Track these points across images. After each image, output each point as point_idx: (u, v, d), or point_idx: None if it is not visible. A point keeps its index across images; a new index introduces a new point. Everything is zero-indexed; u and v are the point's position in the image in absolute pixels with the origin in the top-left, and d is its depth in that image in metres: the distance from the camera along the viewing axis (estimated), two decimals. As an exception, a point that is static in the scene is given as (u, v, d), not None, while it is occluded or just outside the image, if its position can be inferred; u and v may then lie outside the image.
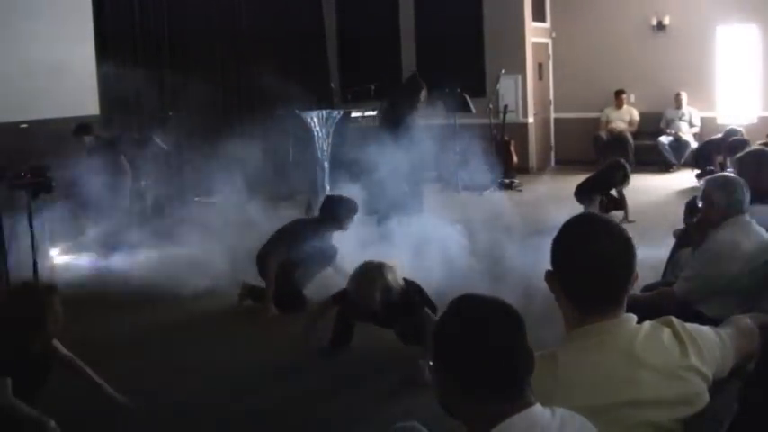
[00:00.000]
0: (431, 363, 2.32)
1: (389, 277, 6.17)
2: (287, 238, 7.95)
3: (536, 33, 16.90)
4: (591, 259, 2.56)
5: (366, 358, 6.54)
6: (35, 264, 7.98)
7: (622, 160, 11.53)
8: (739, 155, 6.18)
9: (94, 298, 8.11)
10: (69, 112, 9.93)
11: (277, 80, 11.76)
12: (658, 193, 12.63)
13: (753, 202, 5.19)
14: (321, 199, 10.96)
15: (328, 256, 8.08)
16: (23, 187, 8.13)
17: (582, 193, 11.03)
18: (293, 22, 15.95)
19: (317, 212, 8.56)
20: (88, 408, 5.52)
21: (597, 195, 11.00)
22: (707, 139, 14.40)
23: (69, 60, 10.80)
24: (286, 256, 7.83)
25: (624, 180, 11.02)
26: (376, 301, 6.13)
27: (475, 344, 2.22)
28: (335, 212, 8.10)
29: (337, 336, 6.65)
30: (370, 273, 6.23)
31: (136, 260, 9.30)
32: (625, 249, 2.60)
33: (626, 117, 16.69)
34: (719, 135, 12.84)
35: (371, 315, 6.32)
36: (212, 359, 6.66)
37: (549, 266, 2.65)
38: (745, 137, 11.17)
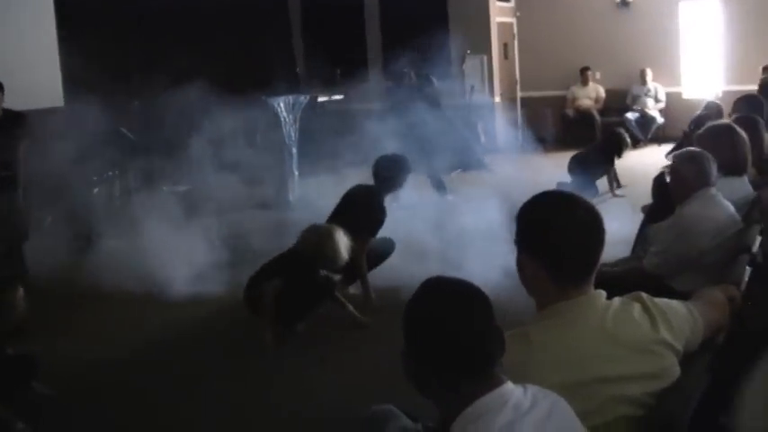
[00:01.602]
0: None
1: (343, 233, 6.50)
2: (356, 210, 7.52)
3: (501, 13, 16.90)
4: (571, 232, 2.57)
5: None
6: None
7: (621, 130, 11.66)
8: (700, 131, 6.22)
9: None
10: (30, 104, 9.76)
11: (243, 65, 11.71)
12: (626, 168, 12.66)
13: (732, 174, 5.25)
14: (290, 184, 10.98)
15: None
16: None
17: (586, 165, 11.08)
18: (256, 6, 15.83)
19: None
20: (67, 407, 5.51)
21: (609, 167, 11.14)
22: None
23: (29, 48, 10.64)
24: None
25: (624, 150, 11.21)
26: (340, 255, 6.42)
27: (444, 327, 2.23)
28: (392, 172, 7.75)
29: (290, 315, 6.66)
30: (327, 229, 6.54)
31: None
32: (599, 222, 2.62)
33: (592, 94, 16.77)
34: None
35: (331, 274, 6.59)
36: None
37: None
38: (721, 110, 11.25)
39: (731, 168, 5.41)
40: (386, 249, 7.78)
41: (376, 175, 7.77)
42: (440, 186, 11.39)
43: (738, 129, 5.60)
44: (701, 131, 6.04)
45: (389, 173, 7.72)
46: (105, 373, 6.21)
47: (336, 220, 7.24)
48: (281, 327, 6.61)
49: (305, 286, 6.55)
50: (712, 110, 11.08)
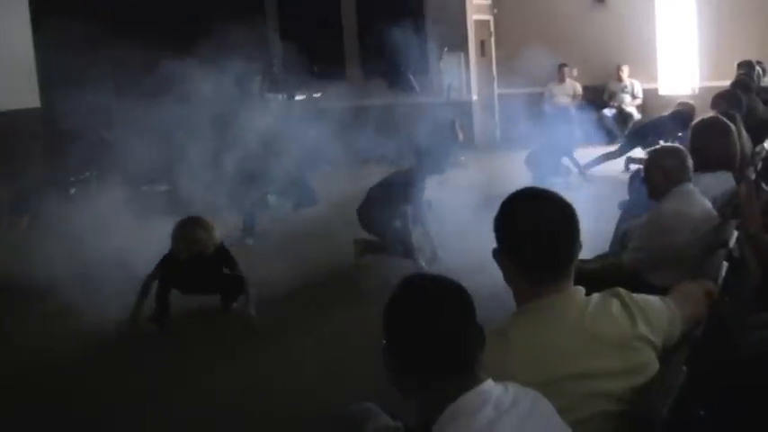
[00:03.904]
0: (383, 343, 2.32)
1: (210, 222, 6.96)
2: (402, 191, 8.23)
3: (478, 10, 16.90)
4: (537, 228, 2.58)
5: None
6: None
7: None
8: (692, 123, 6.24)
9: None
10: (4, 105, 9.68)
11: (220, 62, 11.63)
12: (603, 165, 12.71)
13: (702, 170, 5.27)
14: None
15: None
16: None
17: (641, 137, 11.16)
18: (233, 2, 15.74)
19: None
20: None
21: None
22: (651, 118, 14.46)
23: (3, 47, 10.54)
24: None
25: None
26: (207, 241, 6.82)
27: (424, 325, 2.21)
28: (438, 156, 8.47)
29: (161, 309, 7.04)
30: (195, 220, 6.96)
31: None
32: (569, 218, 2.62)
33: (569, 91, 16.80)
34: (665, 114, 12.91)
35: (202, 265, 6.85)
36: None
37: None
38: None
39: (722, 162, 5.45)
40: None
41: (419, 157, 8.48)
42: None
43: (730, 123, 5.65)
44: (694, 124, 6.08)
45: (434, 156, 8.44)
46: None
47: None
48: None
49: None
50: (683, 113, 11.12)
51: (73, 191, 11.12)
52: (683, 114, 11.24)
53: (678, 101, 12.50)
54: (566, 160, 12.30)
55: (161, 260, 7.04)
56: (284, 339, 6.71)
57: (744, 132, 6.48)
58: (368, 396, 3.29)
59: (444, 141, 8.76)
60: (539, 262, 2.59)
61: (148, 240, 7.91)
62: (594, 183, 11.72)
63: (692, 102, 12.19)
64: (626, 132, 12.34)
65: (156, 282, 6.99)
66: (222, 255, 7.11)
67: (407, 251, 8.16)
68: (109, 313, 7.08)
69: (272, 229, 10.10)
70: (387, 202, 8.19)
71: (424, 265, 8.02)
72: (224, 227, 8.13)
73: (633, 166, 11.90)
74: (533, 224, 2.59)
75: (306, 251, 9.04)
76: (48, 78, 11.47)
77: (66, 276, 7.81)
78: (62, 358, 6.55)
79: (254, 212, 9.82)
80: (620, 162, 12.67)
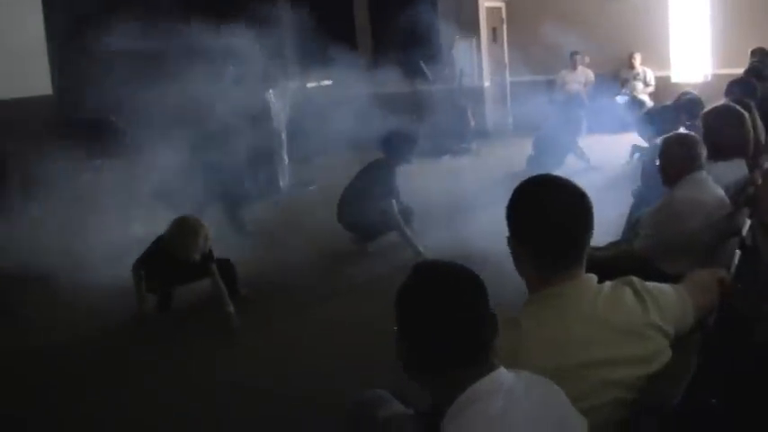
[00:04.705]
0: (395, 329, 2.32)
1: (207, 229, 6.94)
2: (377, 184, 8.44)
3: (489, -3, 16.88)
4: (551, 215, 2.57)
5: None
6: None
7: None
8: (705, 111, 6.21)
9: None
10: (17, 93, 9.68)
11: (233, 48, 11.62)
12: (616, 152, 12.67)
13: (715, 158, 5.24)
14: (281, 169, 11.06)
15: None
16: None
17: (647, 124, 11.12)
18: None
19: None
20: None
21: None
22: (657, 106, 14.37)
23: (16, 35, 10.54)
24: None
25: None
26: (198, 249, 6.78)
27: (437, 313, 2.21)
28: (400, 146, 8.61)
29: (163, 300, 7.23)
30: (193, 224, 6.91)
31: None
32: (582, 206, 2.61)
33: (581, 78, 16.74)
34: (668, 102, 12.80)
35: (187, 268, 6.85)
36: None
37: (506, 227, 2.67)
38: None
39: (736, 150, 5.42)
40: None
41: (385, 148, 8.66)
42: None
43: (743, 111, 5.61)
44: (707, 111, 6.04)
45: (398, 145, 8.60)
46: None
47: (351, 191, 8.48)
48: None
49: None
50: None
51: (85, 177, 11.12)
52: (690, 103, 11.13)
53: (682, 91, 12.40)
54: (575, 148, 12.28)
55: (151, 249, 7.05)
56: (285, 326, 6.78)
57: (758, 120, 6.43)
58: (379, 383, 3.30)
59: (408, 130, 8.81)
60: (552, 249, 2.58)
61: (157, 228, 7.97)
62: (599, 171, 11.70)
63: (695, 91, 12.11)
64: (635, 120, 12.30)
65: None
66: (206, 261, 7.03)
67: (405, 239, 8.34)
68: (117, 299, 7.15)
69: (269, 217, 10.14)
70: (366, 202, 8.38)
71: (423, 250, 8.07)
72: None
73: (637, 155, 11.89)
74: (547, 211, 2.58)
75: (301, 237, 9.09)
76: (60, 66, 11.47)
77: (77, 263, 7.86)
78: (74, 345, 6.60)
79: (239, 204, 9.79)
80: (624, 150, 12.61)
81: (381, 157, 8.75)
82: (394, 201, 8.38)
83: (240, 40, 10.30)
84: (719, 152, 5.31)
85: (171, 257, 6.88)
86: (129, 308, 7.03)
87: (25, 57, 10.80)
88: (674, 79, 16.10)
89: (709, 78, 15.59)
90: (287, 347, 6.28)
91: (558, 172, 3.13)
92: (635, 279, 2.71)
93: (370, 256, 8.52)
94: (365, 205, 8.36)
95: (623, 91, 16.23)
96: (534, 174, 2.78)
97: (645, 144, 11.15)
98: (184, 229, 6.91)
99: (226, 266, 7.23)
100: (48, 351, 6.51)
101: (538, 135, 12.32)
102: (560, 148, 12.04)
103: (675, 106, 10.96)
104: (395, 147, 8.62)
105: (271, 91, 11.84)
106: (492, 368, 2.22)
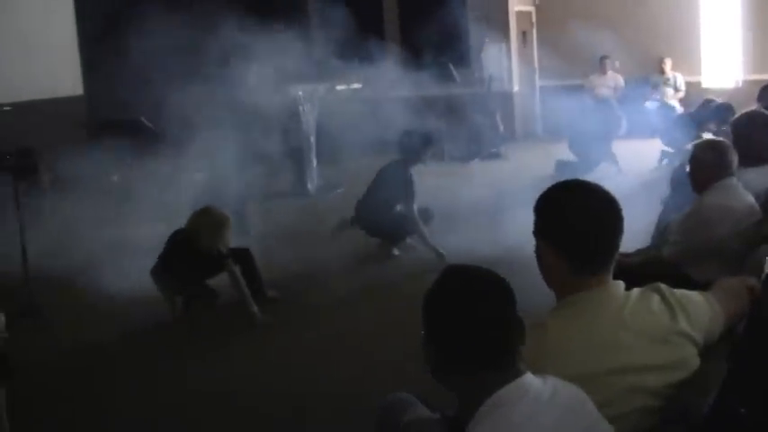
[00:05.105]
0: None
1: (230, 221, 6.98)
2: (394, 186, 8.47)
3: (519, 1, 16.84)
4: (584, 219, 2.57)
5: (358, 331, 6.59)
6: (24, 249, 7.80)
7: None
8: (735, 117, 6.17)
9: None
10: (49, 93, 9.77)
11: (262, 51, 11.66)
12: (645, 158, 12.63)
13: (746, 165, 5.20)
14: (309, 172, 11.10)
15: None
16: (8, 170, 8.01)
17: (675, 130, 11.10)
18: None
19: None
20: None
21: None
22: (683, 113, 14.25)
23: (48, 36, 10.61)
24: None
25: None
26: (223, 241, 6.82)
27: (464, 317, 2.22)
28: (415, 146, 8.63)
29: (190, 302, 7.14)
30: (219, 214, 6.94)
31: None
32: (612, 211, 2.61)
33: (611, 83, 16.66)
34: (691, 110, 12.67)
35: (207, 261, 6.84)
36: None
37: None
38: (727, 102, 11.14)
39: (766, 156, 5.38)
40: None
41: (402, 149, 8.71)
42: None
43: None
44: (737, 117, 6.00)
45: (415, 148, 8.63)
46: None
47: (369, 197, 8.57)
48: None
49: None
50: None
51: (115, 178, 11.21)
52: (721, 109, 11.01)
53: (705, 97, 12.31)
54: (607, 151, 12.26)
55: (168, 246, 7.07)
56: (308, 329, 6.76)
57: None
58: (405, 386, 3.30)
59: (424, 130, 8.86)
60: (580, 255, 2.57)
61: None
62: (628, 176, 11.67)
63: (724, 98, 12.00)
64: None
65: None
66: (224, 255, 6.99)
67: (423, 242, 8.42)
68: (144, 300, 7.18)
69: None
70: (384, 207, 8.52)
71: (444, 252, 8.10)
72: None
73: (666, 161, 11.84)
74: (577, 216, 2.58)
75: (326, 240, 9.09)
76: (90, 66, 11.54)
77: (106, 264, 7.91)
78: (100, 346, 6.64)
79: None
80: (654, 155, 12.55)
81: (396, 159, 8.78)
82: (414, 205, 8.38)
83: (271, 41, 10.30)
84: (750, 158, 5.28)
85: (190, 250, 6.86)
86: (154, 310, 7.07)
87: (56, 58, 10.89)
88: (704, 84, 16.01)
89: (741, 84, 15.50)
90: (310, 351, 6.28)
91: (587, 177, 3.12)
92: (663, 286, 2.70)
93: (396, 260, 8.53)
94: (383, 210, 8.45)
95: (653, 96, 16.14)
96: (563, 178, 2.77)
97: (672, 150, 11.13)
98: (209, 220, 6.90)
99: (244, 256, 7.20)
100: (73, 352, 6.55)
101: (572, 137, 12.27)
102: (595, 151, 12.01)
103: (703, 113, 10.88)
104: (409, 147, 8.65)
105: (300, 93, 11.87)
106: (518, 374, 2.22)
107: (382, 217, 8.44)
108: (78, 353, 6.54)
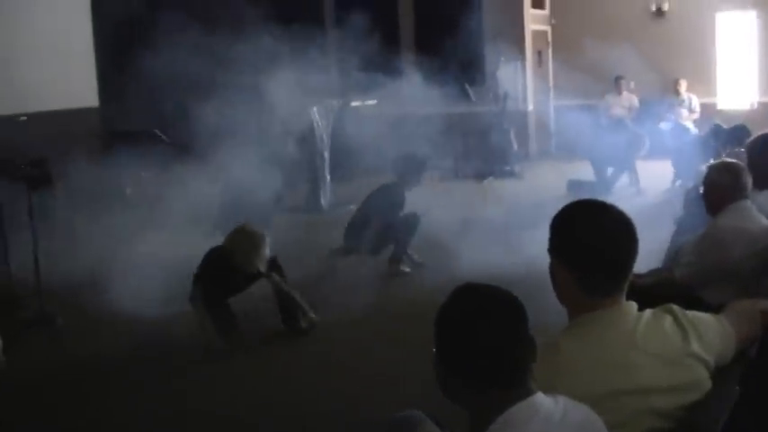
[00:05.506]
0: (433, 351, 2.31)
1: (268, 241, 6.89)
2: (388, 204, 8.70)
3: (535, 21, 16.87)
4: (599, 239, 2.56)
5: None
6: (36, 259, 7.82)
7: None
8: (750, 139, 6.15)
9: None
10: (65, 104, 9.81)
11: (277, 68, 11.71)
12: (660, 178, 12.61)
13: (760, 188, 5.18)
14: (323, 187, 11.14)
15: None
16: (22, 180, 8.03)
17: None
18: (291, 7, 15.80)
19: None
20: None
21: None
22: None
23: (65, 47, 10.65)
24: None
25: None
26: (262, 260, 6.78)
27: (476, 336, 2.21)
28: (409, 171, 8.85)
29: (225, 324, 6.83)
30: (257, 235, 6.85)
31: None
32: (627, 232, 2.60)
33: (626, 103, 16.64)
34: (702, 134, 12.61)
35: (246, 279, 6.83)
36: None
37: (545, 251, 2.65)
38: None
39: None
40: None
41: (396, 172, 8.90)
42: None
43: None
44: (752, 140, 5.99)
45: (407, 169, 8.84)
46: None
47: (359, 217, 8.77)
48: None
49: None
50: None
51: (128, 190, 11.23)
52: (736, 130, 10.94)
53: (714, 122, 12.27)
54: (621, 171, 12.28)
55: (209, 263, 6.91)
56: (316, 345, 6.78)
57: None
58: (414, 404, 3.29)
59: (418, 153, 8.98)
60: (594, 275, 2.56)
61: (200, 242, 8.01)
62: (642, 197, 11.64)
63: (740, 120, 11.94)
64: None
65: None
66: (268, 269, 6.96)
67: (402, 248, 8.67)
68: (156, 311, 7.18)
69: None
70: (373, 221, 8.65)
71: (422, 261, 8.64)
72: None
73: (679, 182, 11.83)
74: (595, 236, 2.57)
75: (323, 258, 9.13)
76: (106, 78, 11.59)
77: (118, 275, 7.92)
78: (111, 356, 6.64)
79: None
80: (668, 176, 12.54)
81: (392, 181, 8.95)
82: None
83: (289, 58, 10.34)
84: (764, 181, 5.26)
85: (227, 267, 6.78)
86: (161, 325, 7.06)
87: (72, 69, 10.94)
88: (719, 106, 15.99)
89: (756, 106, 15.49)
90: (318, 368, 6.28)
91: (604, 197, 3.11)
92: (676, 307, 2.69)
93: (406, 277, 8.52)
94: (367, 226, 8.65)
95: (668, 117, 16.12)
96: (577, 198, 2.77)
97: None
98: (246, 242, 6.81)
99: (276, 264, 7.11)
100: (85, 362, 6.56)
101: (594, 156, 12.29)
102: (617, 170, 12.08)
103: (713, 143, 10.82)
104: (405, 170, 8.84)
105: (315, 109, 11.90)
106: (529, 393, 2.21)
107: (366, 231, 8.61)
108: (85, 364, 6.55)
